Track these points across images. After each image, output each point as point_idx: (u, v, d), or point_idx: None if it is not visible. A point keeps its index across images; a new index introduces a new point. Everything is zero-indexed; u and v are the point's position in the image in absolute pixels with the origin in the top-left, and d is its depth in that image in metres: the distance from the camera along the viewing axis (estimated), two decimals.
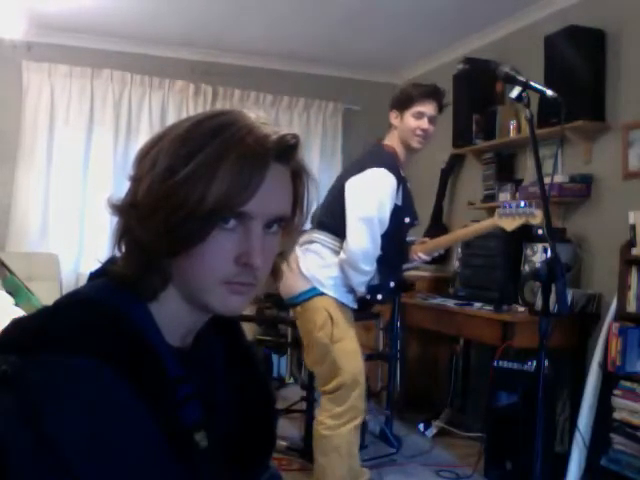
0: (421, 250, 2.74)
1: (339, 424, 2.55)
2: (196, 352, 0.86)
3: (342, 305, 2.61)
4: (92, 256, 4.62)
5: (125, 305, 0.77)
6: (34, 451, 0.65)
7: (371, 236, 2.47)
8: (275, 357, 5.06)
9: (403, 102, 2.57)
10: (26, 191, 4.70)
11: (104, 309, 0.76)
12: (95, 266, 0.85)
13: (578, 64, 3.34)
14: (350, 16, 4.24)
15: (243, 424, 0.92)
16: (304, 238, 2.60)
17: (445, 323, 3.75)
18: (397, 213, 2.56)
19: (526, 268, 3.48)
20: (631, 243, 2.99)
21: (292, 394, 4.26)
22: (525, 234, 3.51)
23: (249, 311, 4.32)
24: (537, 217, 2.49)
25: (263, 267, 0.79)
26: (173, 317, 0.81)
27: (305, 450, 3.33)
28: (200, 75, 5.05)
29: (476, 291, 3.74)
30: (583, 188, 3.49)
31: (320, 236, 2.58)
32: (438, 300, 3.89)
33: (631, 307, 2.97)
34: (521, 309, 3.38)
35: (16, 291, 3.99)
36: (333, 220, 2.54)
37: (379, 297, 2.64)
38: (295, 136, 0.80)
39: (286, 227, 0.84)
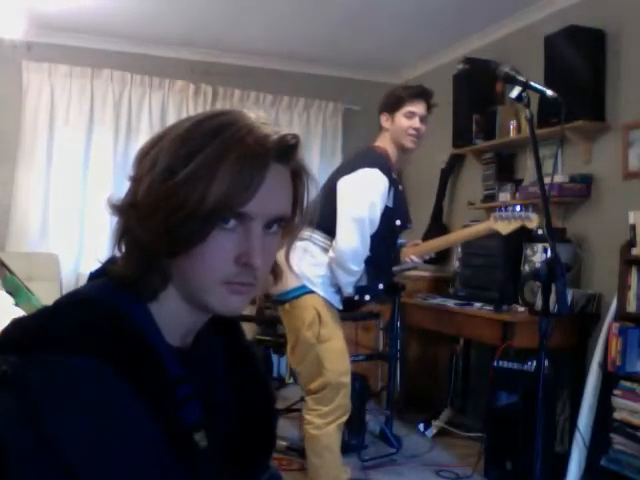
0: (413, 252, 2.76)
1: (327, 422, 2.57)
2: (196, 352, 0.86)
3: (330, 304, 2.61)
4: (92, 256, 4.63)
5: (125, 305, 0.77)
6: (34, 451, 0.65)
7: (361, 236, 2.48)
8: (275, 357, 5.05)
9: (393, 104, 2.60)
10: (26, 191, 4.70)
11: (104, 309, 0.76)
12: (95, 266, 0.85)
13: (578, 64, 3.34)
14: (350, 16, 4.24)
15: (243, 424, 0.92)
16: None
17: (445, 323, 3.75)
18: (388, 215, 2.56)
19: (526, 268, 3.48)
20: (631, 243, 2.99)
21: (292, 394, 4.26)
22: (525, 234, 3.51)
23: (249, 311, 4.32)
24: (533, 221, 2.51)
25: (263, 267, 0.79)
26: (173, 317, 0.81)
27: (305, 450, 3.33)
28: (200, 75, 5.06)
29: (476, 291, 3.74)
30: (583, 188, 3.49)
31: (311, 234, 2.58)
32: (438, 300, 3.89)
33: (631, 307, 2.97)
34: (521, 309, 3.38)
35: (16, 291, 3.99)
36: (324, 219, 2.53)
37: (367, 298, 2.66)
38: (295, 136, 0.80)
39: (286, 227, 0.84)
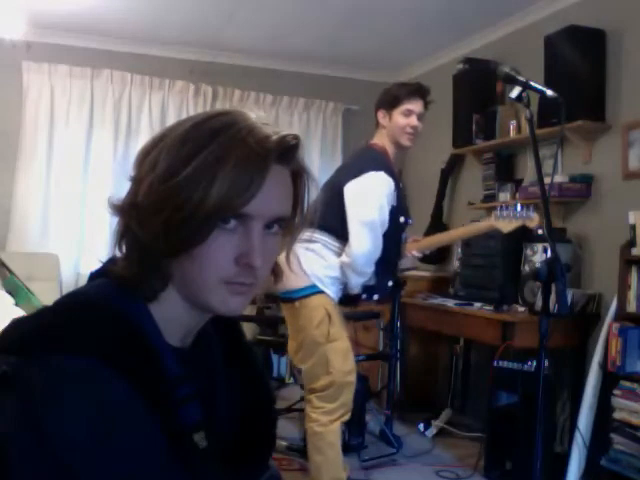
0: (414, 248, 2.79)
1: (331, 420, 2.59)
2: (196, 352, 0.86)
3: (336, 304, 2.64)
4: (92, 256, 4.64)
5: (125, 305, 0.77)
6: (35, 451, 0.66)
7: (373, 239, 2.51)
8: (275, 357, 5.06)
9: (391, 101, 2.61)
10: (26, 191, 4.69)
11: (104, 309, 0.76)
12: (95, 266, 0.85)
13: (578, 64, 3.34)
14: (350, 16, 4.24)
15: (243, 424, 0.92)
16: (304, 236, 2.62)
17: (445, 323, 3.76)
18: (394, 213, 2.59)
19: (526, 268, 3.48)
20: (631, 243, 2.99)
21: (292, 394, 4.26)
22: (525, 234, 3.52)
23: (249, 311, 4.32)
24: (534, 220, 2.53)
25: (263, 267, 0.79)
26: (173, 317, 0.81)
27: (305, 450, 3.33)
28: (199, 75, 5.05)
29: (476, 291, 3.74)
30: (583, 188, 3.49)
31: (321, 237, 2.60)
32: (438, 300, 3.89)
33: (631, 307, 2.97)
34: (521, 309, 3.39)
35: (16, 291, 3.99)
36: (333, 222, 2.56)
37: (375, 297, 2.68)
38: (296, 137, 0.80)
39: (286, 227, 0.84)
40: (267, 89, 5.23)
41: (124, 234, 0.79)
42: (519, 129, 3.89)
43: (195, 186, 0.74)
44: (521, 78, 1.94)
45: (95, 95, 4.86)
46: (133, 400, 0.71)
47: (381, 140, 2.64)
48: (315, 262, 2.58)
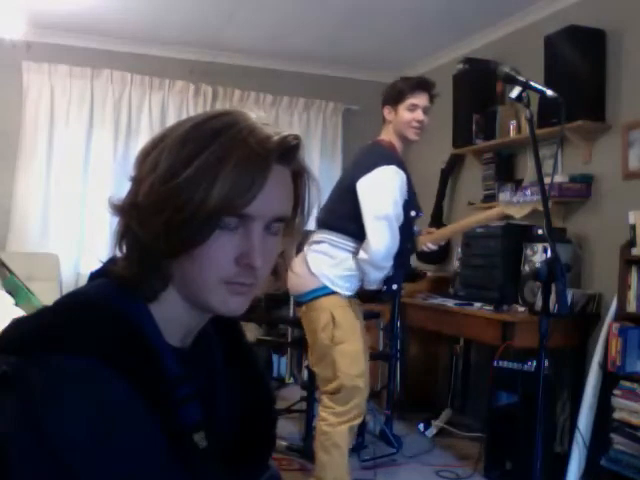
0: (429, 240, 2.78)
1: (340, 422, 2.57)
2: (196, 352, 0.86)
3: (349, 302, 2.61)
4: (92, 256, 4.64)
5: (125, 305, 0.77)
6: (35, 451, 0.66)
7: (391, 233, 2.50)
8: (275, 357, 5.06)
9: (396, 96, 2.60)
10: (26, 191, 4.69)
11: (104, 309, 0.76)
12: (96, 266, 0.85)
13: (578, 64, 3.34)
14: (350, 16, 4.24)
15: (243, 424, 0.92)
16: (311, 238, 2.64)
17: (445, 323, 3.75)
18: (406, 207, 2.59)
19: (526, 268, 3.48)
20: (631, 243, 2.99)
21: (292, 394, 4.27)
22: (525, 234, 3.52)
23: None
24: None
25: (263, 267, 0.79)
26: (173, 317, 0.81)
27: (305, 450, 3.34)
28: (199, 75, 5.05)
29: (476, 291, 3.74)
30: (583, 188, 3.49)
31: (327, 236, 2.59)
32: (438, 300, 3.89)
33: (631, 307, 2.97)
34: (521, 309, 3.38)
35: (16, 291, 4.00)
36: (340, 220, 2.56)
37: (394, 287, 2.66)
38: (297, 137, 0.80)
39: (287, 227, 0.84)
40: (267, 89, 5.23)
41: (124, 234, 0.79)
42: (519, 129, 3.89)
43: (196, 187, 0.73)
44: (521, 78, 1.94)
45: (95, 95, 4.86)
46: (133, 400, 0.71)
47: (388, 136, 2.63)
48: (323, 262, 2.57)
